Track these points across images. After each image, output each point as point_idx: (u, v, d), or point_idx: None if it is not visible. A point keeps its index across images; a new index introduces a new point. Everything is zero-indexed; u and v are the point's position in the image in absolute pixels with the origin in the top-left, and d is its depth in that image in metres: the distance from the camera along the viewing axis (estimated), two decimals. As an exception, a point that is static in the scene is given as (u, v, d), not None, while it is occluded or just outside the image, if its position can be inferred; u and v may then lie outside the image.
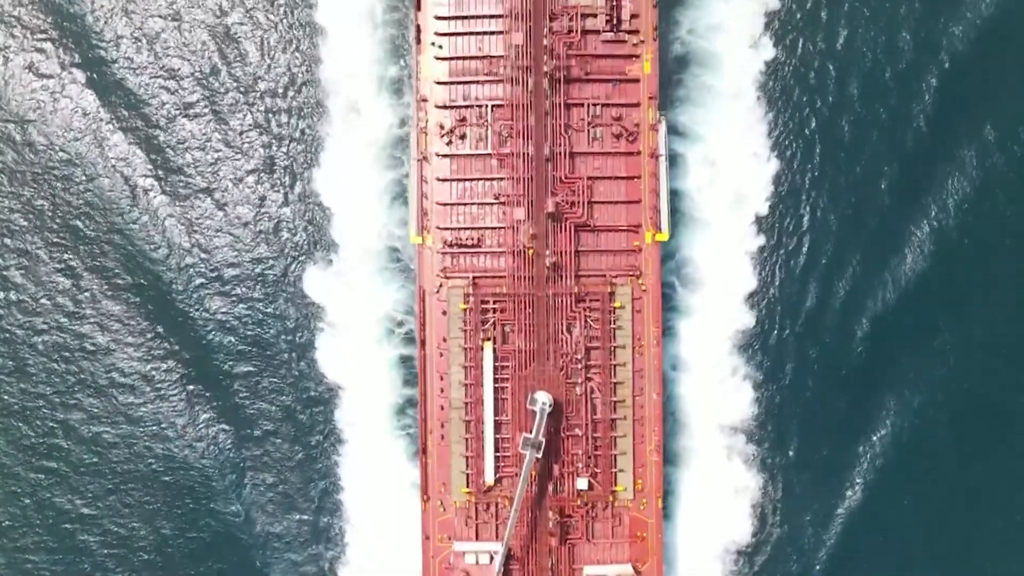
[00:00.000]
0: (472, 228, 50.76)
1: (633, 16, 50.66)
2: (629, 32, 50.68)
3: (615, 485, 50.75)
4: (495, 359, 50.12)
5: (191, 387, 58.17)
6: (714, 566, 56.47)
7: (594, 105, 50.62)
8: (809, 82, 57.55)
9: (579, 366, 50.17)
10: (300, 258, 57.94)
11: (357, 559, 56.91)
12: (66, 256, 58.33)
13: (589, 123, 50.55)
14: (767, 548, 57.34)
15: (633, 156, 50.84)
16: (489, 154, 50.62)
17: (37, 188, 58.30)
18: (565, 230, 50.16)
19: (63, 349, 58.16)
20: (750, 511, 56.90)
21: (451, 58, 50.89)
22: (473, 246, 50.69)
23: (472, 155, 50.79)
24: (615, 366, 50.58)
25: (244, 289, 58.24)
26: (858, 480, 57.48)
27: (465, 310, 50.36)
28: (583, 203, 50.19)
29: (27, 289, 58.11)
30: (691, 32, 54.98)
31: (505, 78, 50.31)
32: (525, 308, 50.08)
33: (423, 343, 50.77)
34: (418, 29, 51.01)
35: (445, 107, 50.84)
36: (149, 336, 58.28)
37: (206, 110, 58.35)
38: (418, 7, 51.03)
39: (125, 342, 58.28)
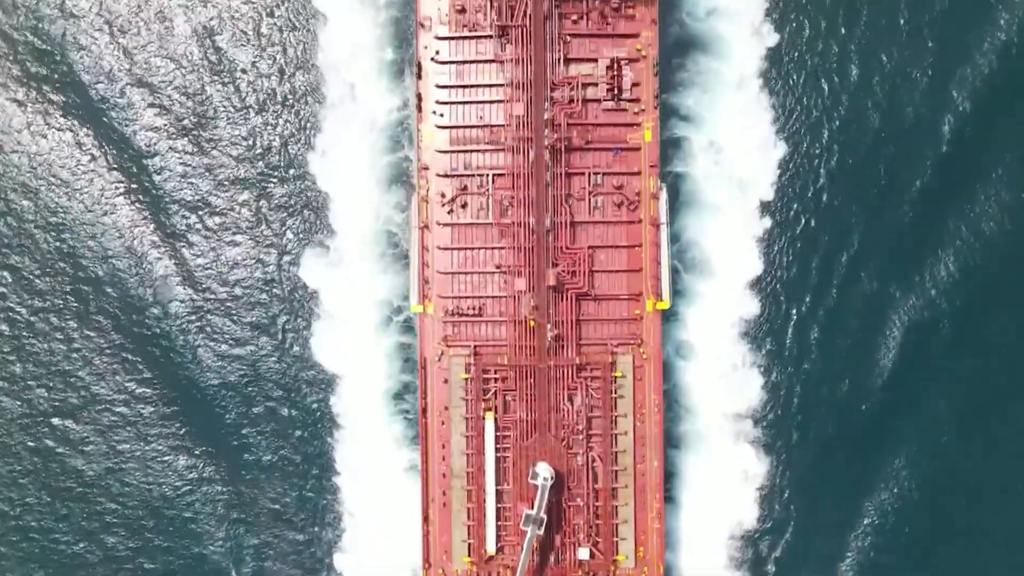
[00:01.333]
0: (473, 297, 50.82)
1: (634, 84, 50.73)
2: (630, 101, 50.79)
3: (616, 554, 50.80)
4: (496, 428, 50.19)
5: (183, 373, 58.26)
6: (719, 552, 56.15)
7: (595, 174, 50.72)
8: (814, 65, 57.44)
9: (580, 436, 50.25)
10: (296, 244, 57.58)
11: (354, 545, 56.56)
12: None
13: (590, 192, 50.62)
14: (773, 533, 57.10)
15: (634, 224, 50.92)
16: (490, 223, 50.70)
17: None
18: (566, 299, 50.23)
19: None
20: (757, 496, 56.57)
21: (452, 127, 50.97)
22: (474, 315, 50.74)
23: (473, 224, 50.86)
24: (616, 435, 50.64)
25: (240, 274, 58.05)
26: (869, 463, 57.52)
27: (467, 380, 50.43)
28: (584, 272, 50.25)
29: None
30: (690, 15, 54.57)
31: (506, 147, 50.38)
32: (527, 378, 50.13)
33: (424, 411, 50.84)
34: (419, 97, 51.05)
35: (446, 175, 50.91)
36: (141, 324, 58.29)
37: (201, 92, 58.09)
38: (419, 75, 51.10)
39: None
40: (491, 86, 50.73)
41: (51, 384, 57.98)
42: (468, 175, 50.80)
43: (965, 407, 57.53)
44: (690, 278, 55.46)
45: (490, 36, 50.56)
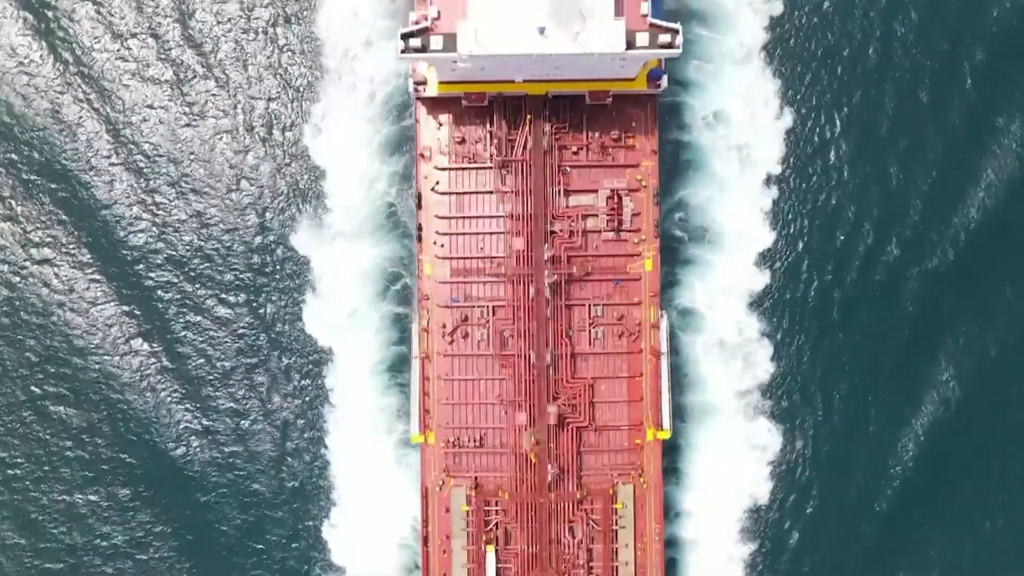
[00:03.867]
0: (474, 428, 50.94)
1: (634, 215, 50.81)
2: (630, 231, 50.85)
3: None
4: (497, 561, 50.35)
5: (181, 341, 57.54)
6: (731, 524, 55.55)
7: (595, 305, 50.80)
8: (822, 35, 56.96)
9: (581, 571, 50.39)
10: (291, 216, 56.86)
11: (344, 519, 55.75)
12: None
13: (591, 323, 50.71)
14: (785, 504, 56.33)
15: (634, 355, 50.99)
16: (491, 355, 50.81)
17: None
18: (567, 431, 50.34)
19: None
20: (768, 468, 55.86)
21: (453, 257, 51.07)
22: (475, 446, 50.87)
23: (475, 355, 50.96)
24: (616, 566, 50.76)
25: (236, 249, 57.41)
26: (882, 434, 56.71)
27: (467, 511, 50.57)
28: (585, 404, 50.38)
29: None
30: None
31: (507, 279, 50.47)
32: (527, 512, 50.27)
33: (426, 540, 50.99)
34: (419, 228, 51.19)
35: (447, 307, 51.01)
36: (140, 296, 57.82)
37: (195, 64, 57.74)
38: (419, 205, 51.22)
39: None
40: (491, 217, 50.83)
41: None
42: (469, 306, 50.87)
43: (977, 378, 56.62)
44: (697, 249, 54.86)
45: (490, 167, 50.64)
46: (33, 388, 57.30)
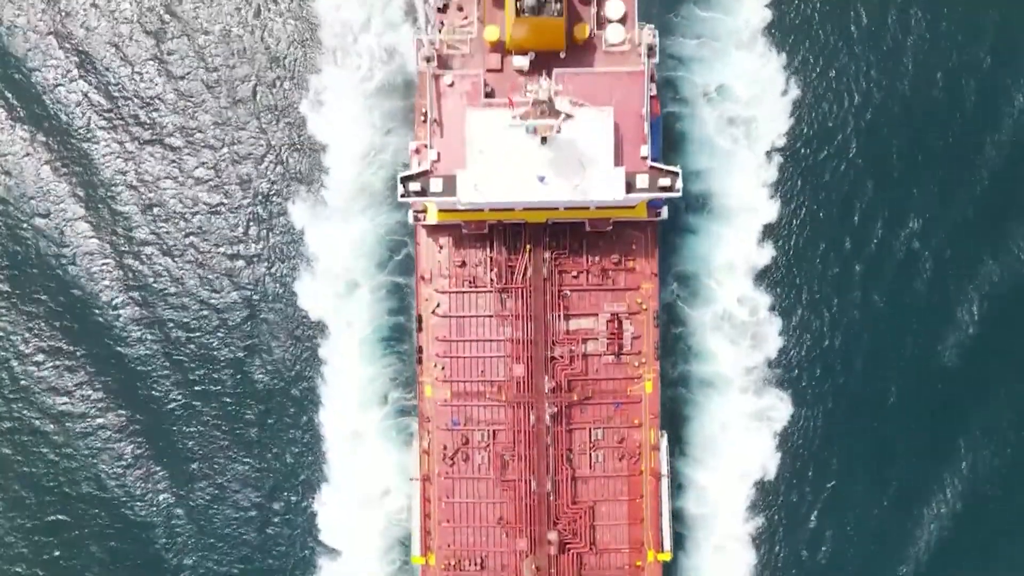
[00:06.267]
0: (476, 551, 51.11)
1: (635, 337, 50.85)
2: (631, 354, 50.90)
3: None
4: None
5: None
6: (739, 496, 55.41)
7: (596, 428, 50.91)
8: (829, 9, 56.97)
9: None
10: (288, 192, 57.18)
11: (336, 490, 56.03)
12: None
13: (591, 447, 50.84)
14: (793, 479, 56.19)
15: (635, 477, 51.11)
16: (491, 478, 50.95)
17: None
18: (568, 556, 50.50)
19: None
20: (776, 441, 55.50)
21: (453, 380, 51.17)
22: (476, 570, 51.02)
23: (475, 478, 51.10)
24: None
25: (231, 224, 57.90)
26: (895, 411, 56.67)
27: None
28: (585, 529, 50.53)
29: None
30: None
31: (507, 403, 50.58)
32: (529, 637, 50.59)
33: None
34: (420, 350, 51.29)
35: (448, 429, 51.13)
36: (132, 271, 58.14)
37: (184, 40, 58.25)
38: (420, 328, 51.29)
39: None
40: (492, 341, 50.89)
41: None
42: (469, 429, 51.00)
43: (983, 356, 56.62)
44: (695, 219, 54.88)
45: (491, 291, 50.70)
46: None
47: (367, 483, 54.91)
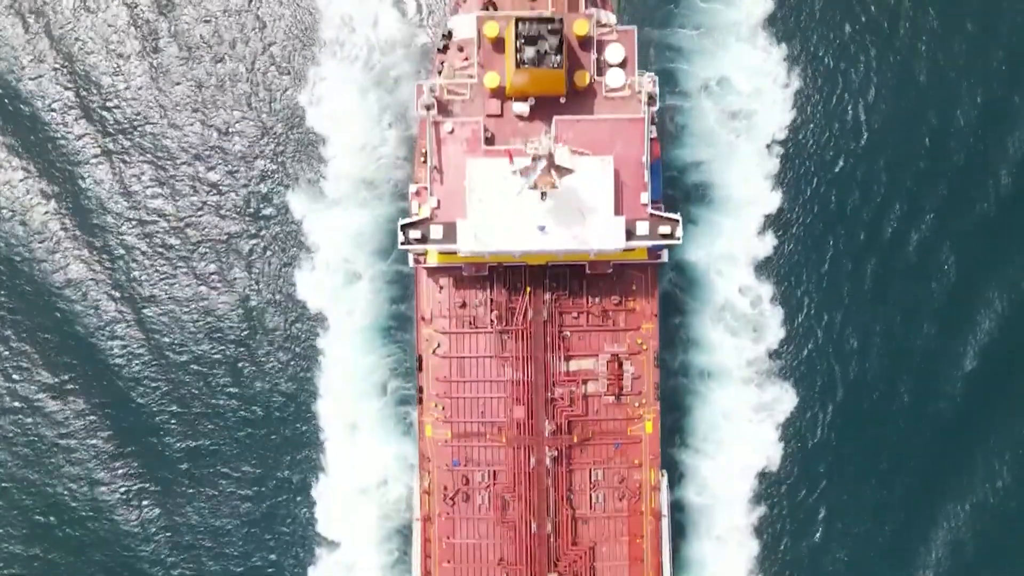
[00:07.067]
0: None
1: (635, 378, 50.90)
2: (631, 395, 50.96)
3: None
4: None
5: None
6: (742, 488, 55.58)
7: (596, 469, 50.97)
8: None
9: None
10: (287, 184, 57.43)
11: (334, 481, 56.27)
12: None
13: (592, 487, 50.91)
14: (795, 470, 56.31)
15: (635, 517, 51.18)
16: (492, 518, 51.02)
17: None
18: (569, 597, 50.78)
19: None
20: (778, 431, 55.65)
21: (453, 420, 51.21)
22: (477, 610, 51.26)
23: (476, 518, 51.17)
24: None
25: (230, 215, 58.17)
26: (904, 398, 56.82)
27: None
28: (585, 570, 50.58)
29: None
30: None
31: (507, 444, 50.64)
32: None
33: None
34: (420, 390, 51.33)
35: (449, 469, 51.19)
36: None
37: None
38: (420, 368, 51.33)
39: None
40: (492, 382, 50.92)
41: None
42: (470, 470, 51.06)
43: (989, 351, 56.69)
44: (695, 208, 54.76)
45: (491, 332, 50.72)
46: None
47: (365, 473, 55.29)
